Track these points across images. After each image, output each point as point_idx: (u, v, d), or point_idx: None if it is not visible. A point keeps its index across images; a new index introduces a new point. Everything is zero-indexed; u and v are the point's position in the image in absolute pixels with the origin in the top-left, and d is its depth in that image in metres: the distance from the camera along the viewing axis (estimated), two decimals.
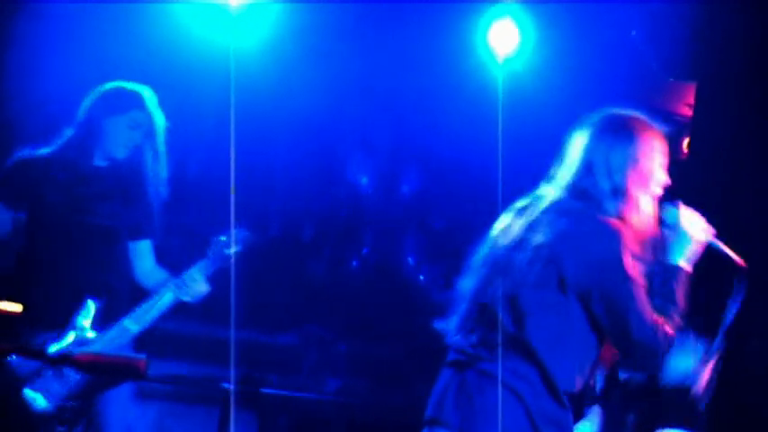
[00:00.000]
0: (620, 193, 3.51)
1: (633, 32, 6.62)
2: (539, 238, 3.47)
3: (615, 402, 5.58)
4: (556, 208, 3.55)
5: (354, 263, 8.27)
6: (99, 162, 4.96)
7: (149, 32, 6.51)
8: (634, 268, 3.41)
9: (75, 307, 4.73)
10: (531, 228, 3.52)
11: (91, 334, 4.71)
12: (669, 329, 3.44)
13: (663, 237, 3.59)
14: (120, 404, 4.88)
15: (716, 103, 6.45)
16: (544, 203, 3.60)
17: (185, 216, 6.80)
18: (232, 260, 4.96)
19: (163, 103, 5.04)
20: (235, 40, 6.23)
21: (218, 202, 5.68)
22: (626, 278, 3.38)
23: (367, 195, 8.31)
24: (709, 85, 6.53)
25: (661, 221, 3.62)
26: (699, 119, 6.65)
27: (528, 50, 6.67)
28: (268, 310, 7.42)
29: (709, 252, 3.74)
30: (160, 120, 5.02)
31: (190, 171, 7.57)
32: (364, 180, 8.35)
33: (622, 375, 5.56)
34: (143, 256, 5.06)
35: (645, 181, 3.56)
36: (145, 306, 4.85)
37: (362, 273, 8.25)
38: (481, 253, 3.66)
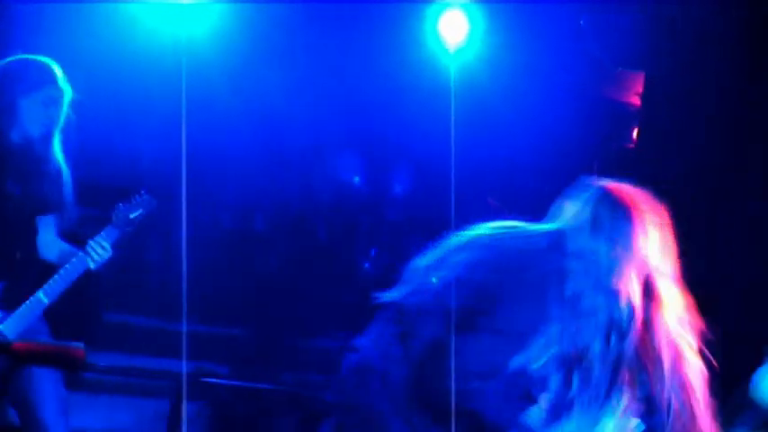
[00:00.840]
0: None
1: (581, 22, 6.64)
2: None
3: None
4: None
5: (309, 255, 8.26)
6: (14, 139, 4.92)
7: (99, 25, 6.46)
8: None
9: None
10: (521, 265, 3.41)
11: None
12: None
13: None
14: (47, 386, 4.84)
15: (664, 93, 6.50)
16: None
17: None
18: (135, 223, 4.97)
19: (117, 97, 5.03)
20: (185, 32, 6.19)
21: (169, 195, 5.67)
22: None
23: (320, 188, 8.30)
24: (657, 74, 6.58)
25: None
26: (647, 108, 6.69)
27: (477, 41, 6.67)
28: (221, 301, 7.40)
29: None
30: (69, 93, 4.98)
31: (142, 167, 7.54)
32: (317, 172, 8.34)
33: None
34: (45, 229, 5.03)
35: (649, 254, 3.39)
36: (56, 277, 4.83)
37: (317, 265, 8.24)
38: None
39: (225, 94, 6.94)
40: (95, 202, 5.23)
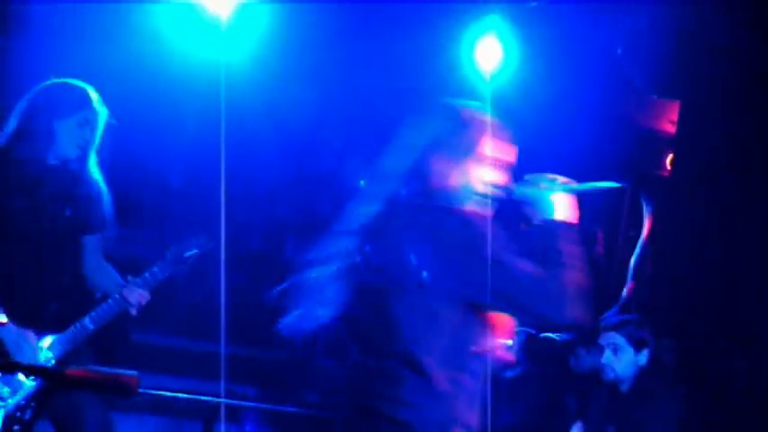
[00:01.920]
0: (457, 170, 3.55)
1: (619, 51, 6.66)
2: (389, 235, 3.46)
3: (594, 416, 5.62)
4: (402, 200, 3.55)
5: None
6: (52, 162, 4.97)
7: (135, 38, 6.50)
8: (501, 242, 3.38)
9: (37, 310, 4.77)
10: (385, 222, 3.52)
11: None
12: (568, 280, 3.39)
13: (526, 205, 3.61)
14: (92, 412, 4.88)
15: (699, 121, 6.51)
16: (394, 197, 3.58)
17: (166, 227, 6.81)
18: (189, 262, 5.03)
19: (151, 116, 5.07)
20: (223, 50, 6.23)
21: (201, 212, 5.69)
22: (491, 253, 3.34)
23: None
24: (693, 102, 6.58)
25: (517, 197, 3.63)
26: (682, 136, 6.70)
27: (512, 67, 6.69)
28: (254, 323, 7.40)
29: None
30: (104, 115, 5.04)
31: (174, 180, 7.57)
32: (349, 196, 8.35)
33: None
34: (91, 252, 5.09)
35: (483, 162, 3.58)
36: (104, 307, 4.90)
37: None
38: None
39: (260, 117, 6.96)
40: (133, 222, 5.28)
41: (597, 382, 5.53)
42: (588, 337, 5.76)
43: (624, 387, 5.44)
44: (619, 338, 5.42)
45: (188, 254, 5.05)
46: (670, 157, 6.89)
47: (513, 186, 3.63)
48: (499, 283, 3.32)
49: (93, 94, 5.02)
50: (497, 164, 3.62)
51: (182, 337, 7.41)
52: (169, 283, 5.10)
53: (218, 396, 6.72)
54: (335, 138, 7.86)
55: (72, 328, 4.84)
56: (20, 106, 4.96)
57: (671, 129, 6.89)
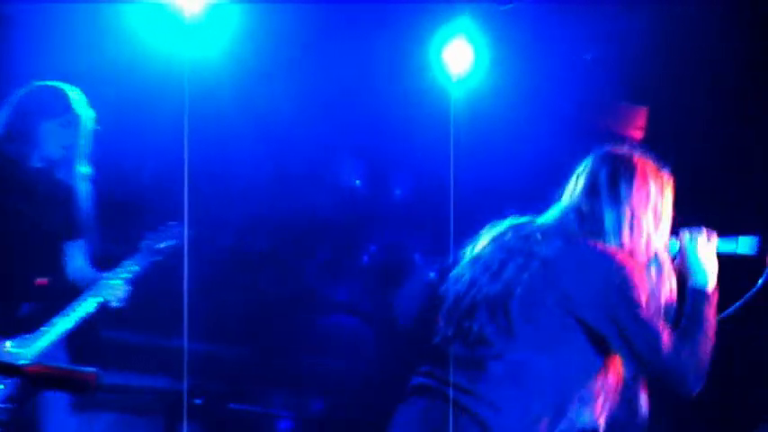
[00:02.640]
0: (625, 223, 3.47)
1: (587, 56, 6.69)
2: (539, 256, 3.39)
3: None
4: (557, 227, 3.49)
5: (310, 274, 8.27)
6: (36, 164, 4.96)
7: (103, 37, 6.48)
8: (645, 298, 3.34)
9: (12, 311, 4.75)
10: (532, 243, 3.44)
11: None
12: (702, 352, 3.35)
13: (676, 270, 3.54)
14: (56, 413, 4.87)
15: (667, 127, 6.54)
16: (544, 221, 3.55)
17: (136, 224, 6.80)
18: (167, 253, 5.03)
19: (118, 110, 5.06)
20: (194, 48, 6.23)
21: (172, 210, 5.69)
22: (639, 309, 3.30)
23: (321, 207, 8.31)
24: (661, 108, 6.62)
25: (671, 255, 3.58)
26: (649, 142, 6.72)
27: (481, 71, 6.71)
28: (221, 320, 7.40)
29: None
30: (88, 118, 5.03)
31: (144, 178, 7.55)
32: (319, 192, 8.35)
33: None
34: (75, 255, 5.08)
35: (652, 216, 3.53)
36: (75, 305, 4.88)
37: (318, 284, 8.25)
38: (468, 259, 3.59)
39: (227, 110, 6.96)
40: (104, 220, 5.26)
41: None
42: None
43: None
44: None
45: (162, 245, 5.05)
46: None
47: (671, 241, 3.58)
48: (640, 343, 3.30)
49: (76, 96, 5.01)
50: (666, 212, 3.60)
51: (147, 334, 7.39)
52: (141, 277, 5.09)
53: (181, 393, 6.71)
54: (308, 135, 7.86)
55: (44, 327, 4.82)
56: (2, 110, 4.94)
57: (638, 134, 6.92)
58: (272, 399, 7.64)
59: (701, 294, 3.48)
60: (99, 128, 5.15)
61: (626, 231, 3.45)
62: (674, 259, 3.57)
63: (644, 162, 3.61)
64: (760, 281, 3.69)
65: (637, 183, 3.52)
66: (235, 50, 6.65)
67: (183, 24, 6.27)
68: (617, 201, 3.48)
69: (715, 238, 3.63)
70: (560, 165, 7.00)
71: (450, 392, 3.31)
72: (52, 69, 5.22)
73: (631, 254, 3.42)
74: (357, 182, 8.35)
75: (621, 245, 3.43)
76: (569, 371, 3.36)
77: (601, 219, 3.47)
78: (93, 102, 5.18)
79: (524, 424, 3.31)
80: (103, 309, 5.00)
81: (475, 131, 6.48)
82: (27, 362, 4.48)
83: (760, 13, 6.03)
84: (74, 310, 4.89)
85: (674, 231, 3.65)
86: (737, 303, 3.70)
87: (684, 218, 6.19)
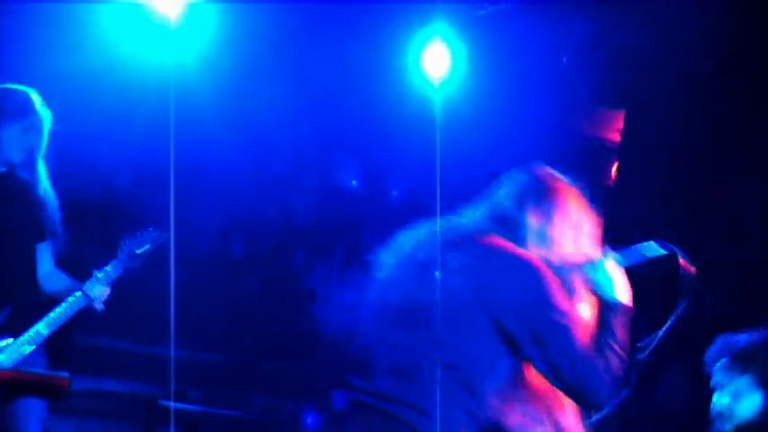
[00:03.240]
0: (545, 233, 3.49)
1: (564, 59, 6.70)
2: (459, 260, 3.39)
3: None
4: (479, 233, 3.48)
5: (287, 280, 8.26)
6: None
7: (83, 40, 6.46)
8: (567, 307, 3.36)
9: None
10: (452, 247, 3.43)
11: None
12: (613, 365, 3.36)
13: (590, 279, 3.59)
14: (27, 419, 4.86)
15: (643, 131, 6.56)
16: (466, 227, 3.54)
17: (118, 227, 6.78)
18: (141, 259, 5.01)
19: (98, 113, 5.05)
20: (172, 48, 6.20)
21: (150, 213, 5.67)
22: (557, 316, 3.32)
23: (302, 210, 8.31)
24: (638, 112, 6.64)
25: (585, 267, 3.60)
26: (626, 145, 6.75)
27: (459, 77, 6.71)
28: (196, 325, 7.39)
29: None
30: (48, 120, 5.01)
31: (122, 182, 7.53)
32: (297, 198, 8.35)
33: None
34: (42, 259, 5.06)
35: (571, 231, 3.53)
36: (58, 311, 4.86)
37: (294, 290, 8.23)
38: (389, 268, 3.56)
39: (207, 113, 6.95)
40: (81, 223, 5.24)
41: None
42: None
43: None
44: None
45: (140, 250, 5.03)
46: (615, 165, 6.95)
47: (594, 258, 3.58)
48: (552, 347, 3.30)
49: (36, 99, 4.99)
50: (585, 236, 3.57)
51: (126, 339, 7.37)
52: (118, 282, 5.07)
53: (164, 398, 6.69)
54: (289, 138, 7.85)
55: (26, 333, 4.79)
56: None
57: (616, 137, 6.94)
58: (252, 403, 7.63)
59: (609, 309, 3.48)
60: (76, 131, 5.12)
61: (547, 241, 3.48)
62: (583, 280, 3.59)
63: (568, 186, 3.63)
64: (678, 308, 3.70)
65: (560, 198, 3.55)
66: (214, 53, 6.64)
67: (163, 26, 6.25)
68: (540, 211, 3.51)
69: (614, 254, 3.62)
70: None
71: (384, 406, 3.31)
72: (28, 72, 5.19)
73: (549, 264, 3.44)
74: (339, 184, 8.35)
75: (541, 254, 3.46)
76: (494, 374, 3.36)
77: (522, 225, 3.49)
78: (68, 104, 5.16)
79: (447, 429, 3.29)
80: (83, 313, 4.98)
81: (453, 135, 6.48)
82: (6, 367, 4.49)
83: (737, 14, 6.06)
84: (54, 316, 4.87)
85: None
86: (656, 335, 3.71)
87: (663, 219, 6.22)
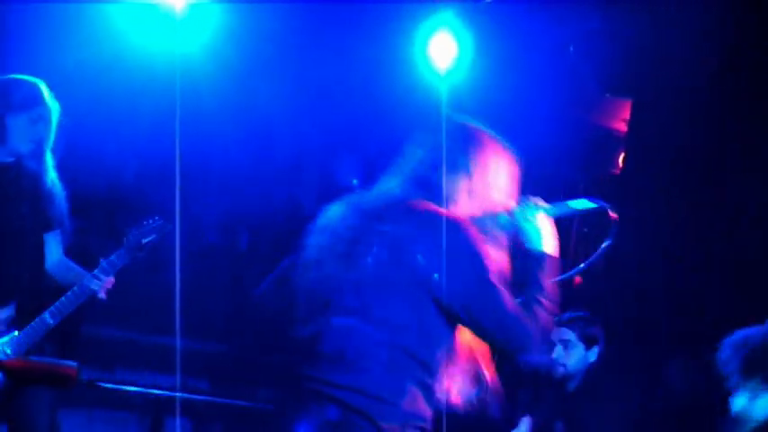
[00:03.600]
0: (465, 189, 3.43)
1: (570, 48, 6.69)
2: (387, 231, 3.33)
3: (543, 411, 5.65)
4: (401, 201, 3.42)
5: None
6: (5, 159, 4.93)
7: (90, 34, 6.46)
8: (494, 266, 3.32)
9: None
10: (377, 219, 3.37)
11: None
12: (542, 318, 3.34)
13: (513, 233, 3.52)
14: (39, 410, 4.85)
15: (651, 120, 6.55)
16: (388, 196, 3.47)
17: (124, 221, 6.78)
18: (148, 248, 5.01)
19: (103, 107, 5.05)
20: (178, 43, 6.20)
21: (157, 206, 5.67)
22: (486, 276, 3.28)
23: (307, 203, 8.30)
24: (645, 101, 6.63)
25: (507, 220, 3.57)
26: (634, 134, 6.74)
27: (466, 64, 6.70)
28: (202, 317, 7.39)
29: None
30: (57, 112, 5.01)
31: (127, 175, 7.53)
32: (303, 191, 8.35)
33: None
34: (51, 248, 5.05)
35: (491, 187, 3.48)
36: (63, 300, 4.85)
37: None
38: (316, 246, 3.48)
39: (215, 109, 6.94)
40: (86, 215, 5.24)
41: (548, 377, 5.56)
42: None
43: (573, 383, 5.48)
44: (570, 334, 5.46)
45: (146, 240, 5.02)
46: (622, 155, 6.94)
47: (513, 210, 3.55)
48: (480, 306, 3.27)
49: (45, 90, 4.98)
50: (505, 184, 3.53)
51: (134, 331, 7.37)
52: (123, 274, 5.07)
53: (171, 390, 6.70)
54: (291, 131, 7.85)
55: (32, 324, 4.80)
56: None
57: (623, 127, 6.93)
58: (257, 394, 7.64)
59: (535, 259, 3.46)
60: (81, 124, 5.12)
61: (464, 199, 3.43)
62: (509, 231, 3.54)
63: (482, 135, 3.56)
64: (602, 245, 3.68)
65: (475, 150, 3.48)
66: (219, 48, 6.64)
67: (168, 21, 6.26)
68: (458, 169, 3.44)
69: (545, 204, 3.58)
70: (548, 160, 7.04)
71: (338, 394, 3.26)
72: (35, 66, 5.19)
73: (474, 219, 3.40)
74: (343, 178, 8.34)
75: (464, 210, 3.41)
76: (436, 341, 3.32)
77: (439, 186, 3.43)
78: (74, 97, 5.16)
79: (404, 407, 3.26)
80: (91, 304, 4.98)
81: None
82: (7, 357, 4.50)
83: (738, 13, 6.06)
84: (60, 305, 4.87)
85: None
86: (575, 269, 3.68)
87: (668, 205, 6.23)
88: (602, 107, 7.11)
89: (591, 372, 5.46)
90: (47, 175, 4.98)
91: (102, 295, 4.93)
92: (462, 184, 3.43)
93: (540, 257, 3.47)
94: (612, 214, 3.66)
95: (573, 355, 5.44)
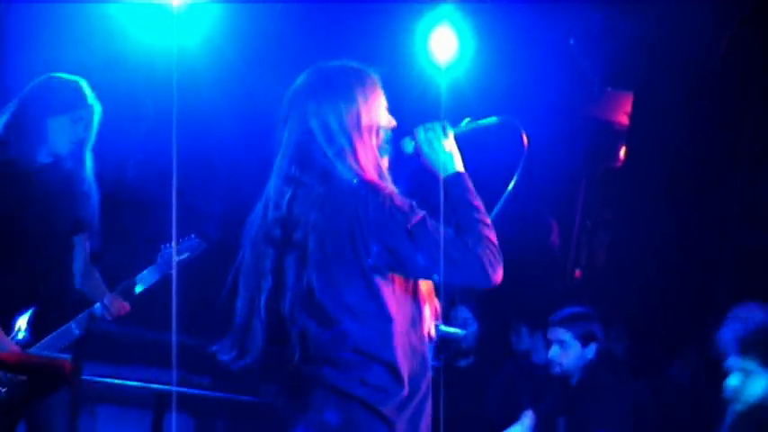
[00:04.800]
0: (347, 152, 3.32)
1: (571, 42, 6.68)
2: (306, 220, 3.30)
3: (545, 407, 5.65)
4: (296, 184, 3.41)
5: None
6: (44, 160, 4.87)
7: (89, 31, 6.45)
8: (412, 208, 3.24)
9: (14, 311, 4.69)
10: (284, 221, 3.37)
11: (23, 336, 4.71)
12: (487, 236, 3.26)
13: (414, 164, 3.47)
14: (58, 409, 4.84)
15: (652, 113, 6.54)
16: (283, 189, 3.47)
17: (126, 219, 6.77)
18: (178, 267, 4.97)
19: (103, 104, 5.00)
20: (176, 39, 6.19)
21: (159, 204, 5.65)
22: (408, 222, 3.21)
23: None
24: (646, 94, 6.62)
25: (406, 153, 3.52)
26: (635, 127, 6.74)
27: (466, 59, 6.69)
28: (207, 313, 7.38)
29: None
30: (98, 112, 4.95)
31: (129, 173, 7.52)
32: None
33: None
34: (79, 253, 5.02)
35: (371, 132, 3.39)
36: (90, 313, 4.83)
37: None
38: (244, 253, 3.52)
39: (214, 102, 6.94)
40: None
41: (550, 374, 5.56)
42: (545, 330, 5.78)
43: (573, 380, 5.48)
44: (565, 334, 5.44)
45: (180, 257, 4.97)
46: (624, 147, 6.94)
47: (405, 141, 3.49)
48: (423, 251, 3.19)
49: (87, 90, 4.90)
50: (383, 121, 3.45)
51: (134, 326, 7.37)
52: (130, 273, 5.05)
53: (169, 385, 6.69)
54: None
55: (58, 331, 4.76)
56: (11, 103, 4.85)
57: (625, 120, 6.93)
58: (260, 388, 7.62)
59: (452, 180, 3.39)
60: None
61: (351, 160, 3.32)
62: (416, 156, 3.48)
63: (353, 78, 3.50)
64: (516, 173, 3.64)
65: (339, 107, 3.39)
66: (217, 44, 6.63)
67: (166, 17, 6.24)
68: (331, 137, 3.37)
69: (448, 125, 3.53)
70: (549, 153, 7.04)
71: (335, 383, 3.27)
72: (33, 64, 5.16)
73: (369, 175, 3.31)
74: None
75: (356, 172, 3.30)
76: (392, 316, 3.25)
77: (329, 157, 3.34)
78: None
79: (381, 386, 3.23)
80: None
81: (460, 119, 6.46)
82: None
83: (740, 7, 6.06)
84: (84, 319, 4.84)
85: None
86: (502, 200, 3.63)
87: (670, 198, 6.22)
88: (603, 100, 7.10)
89: (591, 368, 5.44)
90: (84, 178, 4.90)
91: (108, 318, 4.90)
92: (343, 147, 3.32)
93: (458, 179, 3.39)
94: (524, 136, 3.64)
95: (569, 355, 5.43)
